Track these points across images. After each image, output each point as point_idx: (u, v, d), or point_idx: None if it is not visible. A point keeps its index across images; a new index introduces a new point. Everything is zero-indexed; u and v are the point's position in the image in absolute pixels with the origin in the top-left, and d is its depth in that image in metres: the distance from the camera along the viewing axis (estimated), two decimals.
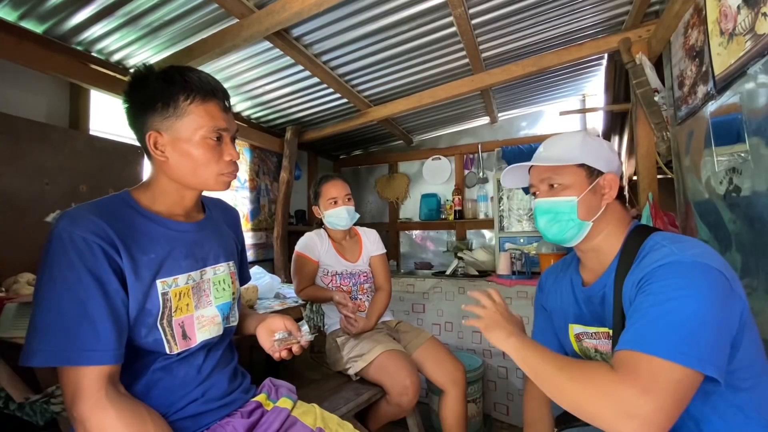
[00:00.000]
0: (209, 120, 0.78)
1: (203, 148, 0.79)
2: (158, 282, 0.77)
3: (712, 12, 1.27)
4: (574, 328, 0.92)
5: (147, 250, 0.77)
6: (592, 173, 0.85)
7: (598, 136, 1.08)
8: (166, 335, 0.78)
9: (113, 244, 0.72)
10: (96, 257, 0.69)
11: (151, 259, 0.77)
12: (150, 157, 0.81)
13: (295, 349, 0.91)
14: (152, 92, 0.77)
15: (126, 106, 0.80)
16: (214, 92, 0.80)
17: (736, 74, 1.14)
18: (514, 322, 0.83)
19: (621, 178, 0.90)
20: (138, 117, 0.79)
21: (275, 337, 0.92)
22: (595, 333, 0.88)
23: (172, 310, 0.79)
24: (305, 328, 0.92)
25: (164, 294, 0.77)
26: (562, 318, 0.97)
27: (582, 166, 0.85)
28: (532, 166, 0.93)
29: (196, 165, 0.79)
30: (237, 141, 2.57)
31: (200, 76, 0.79)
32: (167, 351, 0.78)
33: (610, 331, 0.82)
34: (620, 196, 0.88)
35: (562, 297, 0.97)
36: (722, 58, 1.22)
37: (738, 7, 1.11)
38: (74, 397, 0.65)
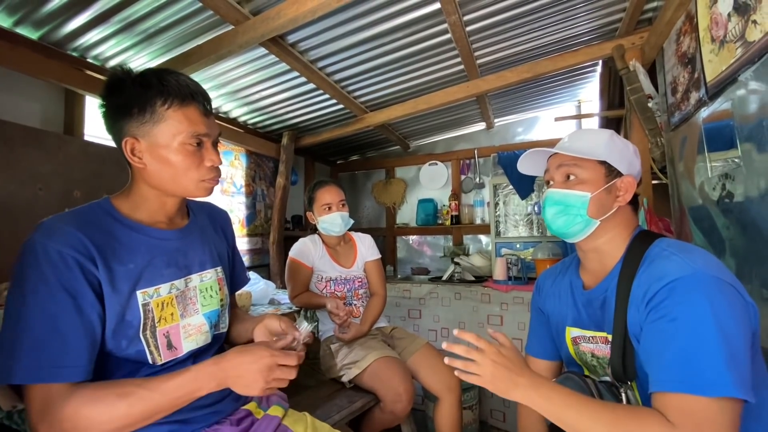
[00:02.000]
0: (188, 125, 0.76)
1: (182, 155, 0.76)
2: (138, 293, 0.75)
3: (704, 19, 1.28)
4: (572, 332, 0.91)
5: (125, 260, 0.75)
6: (612, 173, 0.84)
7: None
8: (149, 346, 0.76)
9: (90, 256, 0.70)
10: (71, 270, 0.68)
11: (129, 269, 0.75)
12: (128, 163, 0.79)
13: (300, 349, 0.84)
14: (128, 97, 0.74)
15: (102, 110, 0.78)
16: (193, 95, 0.77)
17: (728, 81, 1.15)
18: (517, 362, 0.72)
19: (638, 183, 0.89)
20: (114, 122, 0.77)
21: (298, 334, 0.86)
22: (592, 337, 0.87)
23: (156, 321, 0.77)
24: (304, 325, 0.86)
25: (145, 305, 0.76)
26: (559, 321, 0.96)
27: (603, 163, 0.83)
28: (552, 155, 0.91)
29: (176, 172, 0.77)
30: (233, 146, 2.62)
31: (179, 80, 0.76)
32: (150, 362, 0.77)
33: (609, 336, 0.81)
34: (633, 201, 0.86)
35: (561, 299, 0.96)
36: (714, 64, 1.23)
37: (728, 14, 1.12)
38: (44, 412, 0.64)
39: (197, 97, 0.78)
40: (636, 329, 0.74)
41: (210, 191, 0.83)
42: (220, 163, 0.82)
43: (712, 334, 0.61)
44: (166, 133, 0.75)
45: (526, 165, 0.97)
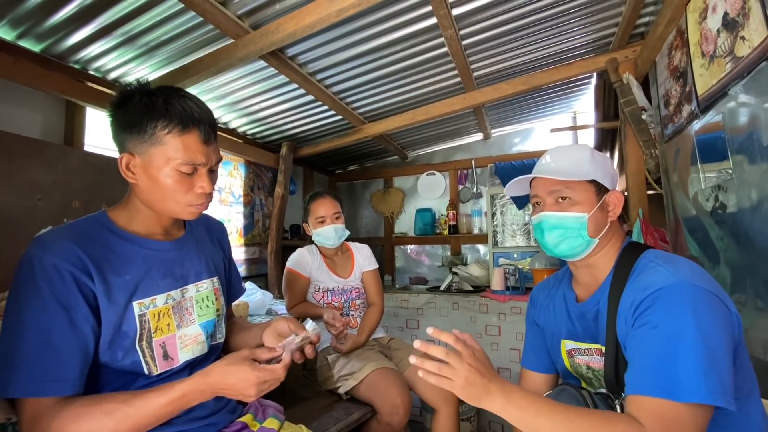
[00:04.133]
0: (184, 152, 0.75)
1: (172, 179, 0.76)
2: (134, 304, 0.76)
3: (694, 35, 1.31)
4: (566, 344, 0.92)
5: (122, 272, 0.76)
6: (600, 190, 0.85)
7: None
8: (145, 357, 0.77)
9: (86, 269, 0.71)
10: (66, 284, 0.69)
11: (126, 280, 0.76)
12: None
13: (308, 351, 0.85)
14: (131, 115, 0.75)
15: (109, 120, 0.79)
16: (195, 123, 0.76)
17: (718, 94, 1.18)
18: (489, 367, 0.69)
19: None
20: (116, 135, 0.78)
21: (285, 341, 0.86)
22: (587, 349, 0.87)
23: (152, 331, 0.78)
24: (310, 324, 0.86)
25: (141, 315, 0.76)
26: (554, 334, 0.96)
27: (591, 181, 0.84)
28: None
29: (164, 193, 0.77)
30: (232, 156, 2.63)
31: (185, 105, 0.76)
32: (146, 372, 0.77)
33: (603, 348, 0.81)
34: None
35: (555, 313, 0.97)
36: (704, 78, 1.25)
37: (718, 30, 1.15)
38: (32, 425, 0.65)
39: (200, 125, 0.76)
40: (624, 339, 0.75)
41: (197, 215, 0.83)
42: (211, 190, 0.82)
43: (691, 342, 0.62)
44: (161, 156, 0.75)
45: (511, 189, 0.97)
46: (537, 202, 0.90)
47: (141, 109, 0.74)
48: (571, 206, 0.84)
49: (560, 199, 0.85)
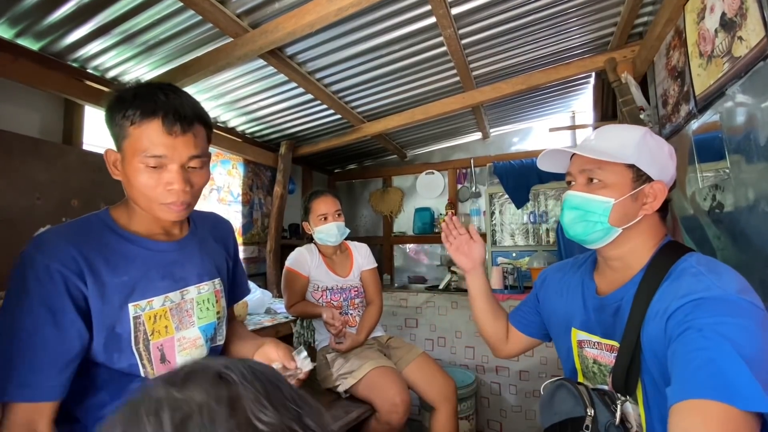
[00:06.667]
0: (145, 144, 0.70)
1: (140, 173, 0.71)
2: (130, 305, 0.75)
3: (692, 35, 1.32)
4: (578, 334, 0.88)
5: (119, 273, 0.74)
6: (640, 177, 0.76)
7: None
8: (141, 359, 0.76)
9: (79, 271, 0.69)
10: (55, 285, 0.67)
11: (123, 281, 0.74)
12: None
13: (294, 383, 0.84)
14: (108, 110, 0.73)
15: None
16: (154, 112, 0.69)
17: (716, 94, 1.18)
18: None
19: (670, 189, 0.79)
20: (108, 132, 0.76)
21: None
22: (598, 343, 0.83)
23: (148, 334, 0.76)
24: (303, 355, 0.83)
25: (136, 318, 0.75)
26: (563, 319, 0.92)
27: (631, 167, 0.76)
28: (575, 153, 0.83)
29: (138, 191, 0.73)
30: (231, 155, 2.63)
31: (153, 95, 0.70)
32: (142, 375, 0.76)
33: (616, 344, 0.78)
34: (662, 208, 0.79)
35: (569, 297, 0.92)
36: (702, 78, 1.26)
37: (715, 30, 1.16)
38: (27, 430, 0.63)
39: (163, 114, 0.70)
40: (653, 344, 0.70)
41: (176, 216, 0.77)
42: (182, 187, 0.73)
43: (739, 351, 0.57)
44: (130, 148, 0.72)
45: (546, 162, 0.90)
46: (569, 182, 0.85)
47: (115, 103, 0.72)
48: (599, 189, 0.78)
49: (590, 181, 0.79)
